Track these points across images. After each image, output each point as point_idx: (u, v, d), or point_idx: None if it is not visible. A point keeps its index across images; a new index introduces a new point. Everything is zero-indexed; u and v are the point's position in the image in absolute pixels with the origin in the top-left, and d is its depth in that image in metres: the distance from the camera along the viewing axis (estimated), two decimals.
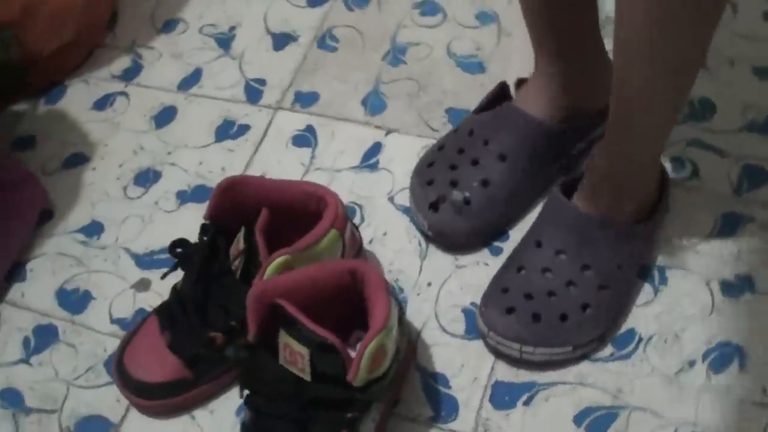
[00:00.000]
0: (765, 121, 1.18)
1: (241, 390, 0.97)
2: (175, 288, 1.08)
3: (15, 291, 1.21)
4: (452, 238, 1.13)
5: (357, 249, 1.09)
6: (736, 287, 1.06)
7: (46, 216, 1.27)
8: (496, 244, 1.14)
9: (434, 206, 1.13)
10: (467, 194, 1.12)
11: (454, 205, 1.12)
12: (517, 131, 1.13)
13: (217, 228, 1.05)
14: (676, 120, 1.00)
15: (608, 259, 1.04)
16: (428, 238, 1.15)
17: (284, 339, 0.92)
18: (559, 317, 1.02)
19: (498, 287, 1.06)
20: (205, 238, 1.05)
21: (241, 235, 1.03)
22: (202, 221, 1.05)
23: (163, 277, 1.10)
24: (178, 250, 1.08)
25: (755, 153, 1.15)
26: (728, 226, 1.11)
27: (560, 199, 1.06)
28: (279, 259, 0.97)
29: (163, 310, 1.09)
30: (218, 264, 1.04)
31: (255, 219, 1.02)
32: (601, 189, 1.04)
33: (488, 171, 1.12)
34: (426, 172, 1.15)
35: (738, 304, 1.05)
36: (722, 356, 1.03)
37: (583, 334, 1.03)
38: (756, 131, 1.17)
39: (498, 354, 1.06)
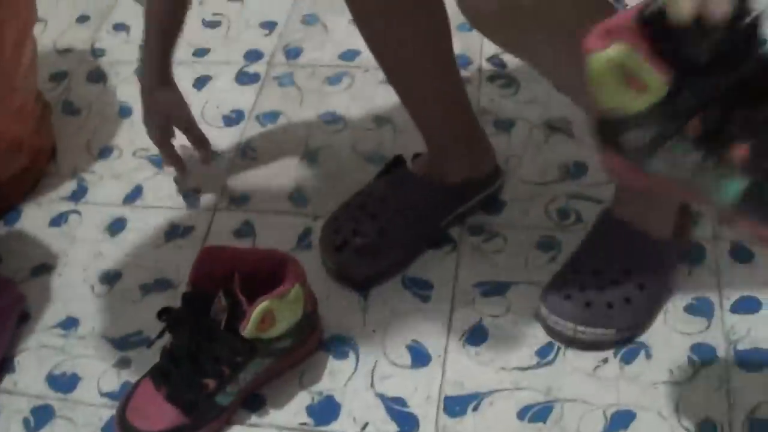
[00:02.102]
0: None
1: None
2: (164, 349, 1.23)
3: (8, 381, 1.31)
4: (355, 277, 1.35)
5: (313, 303, 1.28)
6: None
7: (23, 318, 1.37)
8: (424, 293, 1.34)
9: (339, 249, 1.35)
10: (366, 240, 1.34)
11: (356, 249, 1.34)
12: (409, 190, 1.38)
13: (196, 294, 1.21)
14: None
15: (646, 265, 1.27)
16: (336, 277, 1.36)
17: None
18: (606, 305, 1.24)
19: (558, 282, 1.28)
20: (188, 303, 1.21)
21: (221, 295, 1.19)
22: (184, 291, 1.22)
23: (151, 343, 1.23)
24: (164, 317, 1.22)
25: None
26: None
27: (609, 217, 1.30)
28: (263, 304, 1.15)
29: (155, 371, 1.22)
30: (203, 321, 1.19)
31: (227, 282, 1.19)
32: (629, 198, 1.28)
33: (384, 222, 1.35)
34: (333, 223, 1.38)
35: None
36: (630, 351, 1.25)
37: (624, 320, 1.25)
38: None
39: (554, 334, 1.27)
